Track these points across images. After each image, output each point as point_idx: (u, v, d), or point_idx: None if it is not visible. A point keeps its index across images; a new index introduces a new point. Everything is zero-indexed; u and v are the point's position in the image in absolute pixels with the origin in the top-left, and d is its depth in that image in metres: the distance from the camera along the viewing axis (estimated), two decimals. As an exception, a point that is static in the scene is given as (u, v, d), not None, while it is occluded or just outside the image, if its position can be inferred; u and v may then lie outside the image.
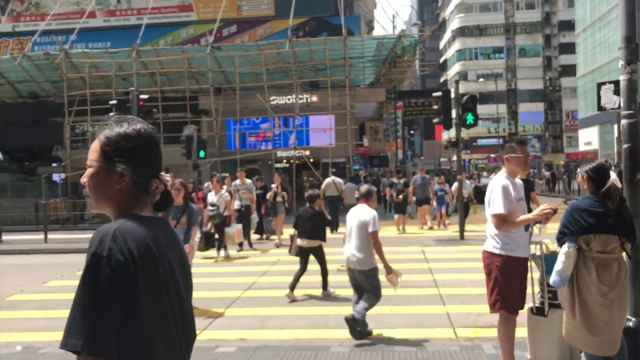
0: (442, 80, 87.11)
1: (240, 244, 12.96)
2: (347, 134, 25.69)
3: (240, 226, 12.53)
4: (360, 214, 6.51)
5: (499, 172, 5.03)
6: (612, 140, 57.39)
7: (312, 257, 8.67)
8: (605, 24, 57.90)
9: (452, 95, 14.11)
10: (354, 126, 27.69)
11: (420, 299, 8.24)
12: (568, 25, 72.93)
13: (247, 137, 26.89)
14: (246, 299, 8.62)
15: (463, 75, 77.86)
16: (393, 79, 29.39)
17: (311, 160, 27.58)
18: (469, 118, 13.66)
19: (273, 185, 14.67)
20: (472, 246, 12.83)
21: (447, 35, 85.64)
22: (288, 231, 15.16)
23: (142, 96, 15.21)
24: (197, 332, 7.62)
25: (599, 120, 60.13)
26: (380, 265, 6.55)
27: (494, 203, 4.70)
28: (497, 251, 4.78)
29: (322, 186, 17.39)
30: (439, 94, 14.13)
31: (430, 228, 16.55)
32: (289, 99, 27.48)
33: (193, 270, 2.45)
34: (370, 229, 6.35)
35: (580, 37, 65.59)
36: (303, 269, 8.55)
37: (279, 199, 14.28)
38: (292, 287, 8.36)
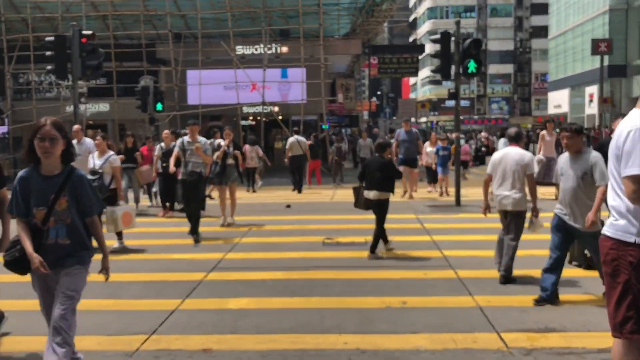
0: (411, 39, 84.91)
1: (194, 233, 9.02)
2: (318, 89, 23.56)
3: (129, 207, 9.21)
4: (517, 156, 6.47)
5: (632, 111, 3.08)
6: (582, 104, 56.89)
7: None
8: (581, -17, 56.46)
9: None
10: (328, 80, 25.58)
11: (437, 285, 6.42)
12: (541, -15, 71.34)
13: (210, 89, 24.46)
14: (211, 284, 6.68)
15: (433, 34, 75.80)
16: (369, 30, 27.19)
17: (280, 117, 25.42)
18: (471, 65, 11.75)
19: (222, 142, 10.73)
20: (472, 214, 11.12)
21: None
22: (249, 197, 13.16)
23: (85, 32, 12.76)
24: (143, 337, 4.84)
25: (570, 83, 59.37)
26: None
27: (632, 158, 2.83)
28: (631, 238, 2.93)
29: (287, 145, 16.53)
30: (437, 36, 12.11)
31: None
32: (256, 49, 25.10)
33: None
34: (528, 171, 6.43)
35: (553, -2, 64.19)
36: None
37: (230, 160, 10.60)
38: (373, 248, 7.83)
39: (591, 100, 53.88)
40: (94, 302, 5.84)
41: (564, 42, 61.39)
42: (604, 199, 5.07)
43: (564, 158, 5.75)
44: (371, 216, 11.01)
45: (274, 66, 24.59)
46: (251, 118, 29.23)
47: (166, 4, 23.18)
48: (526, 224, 6.51)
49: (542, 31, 72.24)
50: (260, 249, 8.47)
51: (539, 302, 5.63)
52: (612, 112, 39.59)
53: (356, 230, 9.65)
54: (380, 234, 7.94)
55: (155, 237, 9.64)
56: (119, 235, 8.49)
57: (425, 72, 72.47)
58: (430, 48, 59.75)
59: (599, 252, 3.29)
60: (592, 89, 53.27)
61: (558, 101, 64.48)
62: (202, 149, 8.97)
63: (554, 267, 5.66)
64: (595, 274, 6.61)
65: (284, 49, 24.87)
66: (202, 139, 9.21)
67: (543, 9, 71.73)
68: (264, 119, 24.90)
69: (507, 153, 6.54)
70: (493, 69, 76.96)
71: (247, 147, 16.81)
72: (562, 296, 5.75)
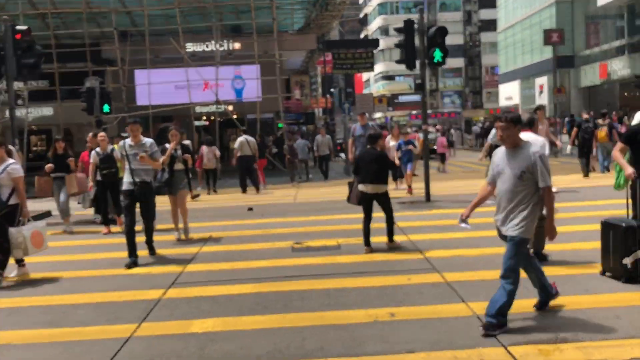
0: (362, 35, 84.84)
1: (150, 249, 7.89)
2: (274, 86, 22.81)
3: (39, 226, 7.32)
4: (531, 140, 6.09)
5: None
6: (532, 95, 57.89)
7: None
8: (527, -24, 57.48)
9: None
10: (284, 76, 24.82)
11: (425, 292, 5.80)
12: (489, -21, 72.34)
13: (160, 89, 23.34)
14: (171, 303, 5.88)
15: (384, 30, 76.11)
16: (323, 25, 26.55)
17: (235, 116, 24.55)
18: (437, 55, 11.23)
19: (168, 146, 8.83)
20: (445, 209, 10.61)
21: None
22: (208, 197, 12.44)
23: (19, 27, 11.63)
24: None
25: (520, 75, 60.33)
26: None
27: None
28: None
29: (235, 146, 15.90)
30: (400, 26, 11.56)
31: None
32: (207, 46, 24.15)
33: None
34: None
35: (501, -9, 65.12)
36: (369, 218, 7.77)
37: (178, 166, 9.02)
38: (367, 242, 7.67)
39: (541, 91, 54.88)
40: (32, 333, 5.00)
41: (513, 35, 62.31)
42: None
43: (500, 154, 4.83)
44: (341, 216, 10.45)
45: (227, 63, 23.70)
46: (205, 118, 28.22)
47: (110, 0, 22.00)
48: None
49: (491, 25, 73.24)
50: (224, 259, 7.69)
51: (540, 307, 5.07)
52: (562, 101, 40.06)
53: (326, 233, 8.99)
54: (391, 224, 7.79)
55: (102, 249, 8.73)
56: (19, 261, 7.13)
57: (378, 68, 72.54)
58: (383, 44, 59.78)
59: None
60: (542, 80, 54.20)
61: (509, 93, 65.44)
62: (149, 152, 7.61)
63: (531, 269, 5.02)
64: (593, 270, 6.15)
65: (237, 46, 24.03)
66: (147, 140, 7.81)
67: (491, 3, 72.62)
68: (218, 119, 23.97)
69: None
70: (446, 63, 77.38)
71: (204, 148, 16.28)
72: (565, 298, 5.22)
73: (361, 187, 7.71)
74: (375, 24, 78.77)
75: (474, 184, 15.16)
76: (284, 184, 18.55)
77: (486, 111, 74.17)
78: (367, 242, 7.68)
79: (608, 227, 5.82)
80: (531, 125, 6.72)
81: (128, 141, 7.83)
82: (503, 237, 4.80)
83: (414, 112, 74.47)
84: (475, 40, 79.27)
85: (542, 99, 54.52)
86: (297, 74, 33.26)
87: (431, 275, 6.34)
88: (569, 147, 16.31)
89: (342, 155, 24.68)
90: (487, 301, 5.31)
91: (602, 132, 16.18)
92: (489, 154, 10.23)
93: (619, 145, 6.21)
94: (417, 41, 11.70)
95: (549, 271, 6.17)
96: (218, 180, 17.00)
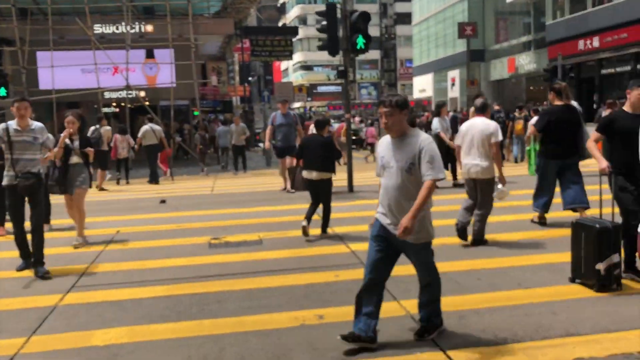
0: (280, 24, 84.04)
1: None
2: (189, 72, 21.81)
3: None
4: (483, 125, 6.64)
5: None
6: (445, 87, 59.53)
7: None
8: (442, -30, 58.97)
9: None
10: (200, 61, 23.80)
11: (354, 289, 5.35)
12: (404, -28, 73.57)
13: (65, 73, 21.73)
14: (68, 311, 5.15)
15: (302, 20, 75.79)
16: (241, 9, 25.71)
17: (147, 102, 23.29)
18: (360, 41, 10.88)
19: (61, 134, 7.55)
20: (368, 200, 10.31)
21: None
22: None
23: None
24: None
25: (433, 68, 61.88)
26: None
27: None
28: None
29: (139, 134, 15.45)
30: (322, 9, 11.11)
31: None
32: (117, 28, 22.71)
33: None
34: (493, 139, 6.56)
35: (416, -16, 66.41)
36: (316, 203, 7.53)
37: (75, 159, 7.59)
38: (308, 220, 7.35)
39: (453, 84, 56.51)
40: None
41: (427, 28, 63.75)
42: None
43: (385, 144, 4.08)
44: (262, 208, 9.94)
45: (139, 47, 22.40)
46: (114, 104, 26.68)
47: (7, -27, 20.19)
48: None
49: (406, 18, 74.63)
50: (132, 258, 6.97)
51: (348, 338, 4.03)
52: (474, 93, 41.28)
53: (246, 227, 8.44)
54: (328, 215, 7.58)
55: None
56: None
57: (297, 58, 72.13)
58: (302, 33, 59.14)
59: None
60: (454, 73, 55.84)
61: (423, 86, 67.05)
62: (41, 139, 6.43)
63: (371, 293, 4.14)
64: (523, 262, 5.99)
65: (149, 28, 22.74)
66: (36, 124, 6.47)
67: (407, -4, 73.99)
68: (129, 105, 22.65)
69: (473, 123, 6.75)
70: (361, 55, 78.22)
71: (117, 136, 15.51)
72: (499, 294, 4.99)
73: (305, 173, 7.50)
74: (293, 13, 78.21)
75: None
76: (193, 174, 17.84)
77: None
78: (308, 220, 7.37)
79: (579, 228, 5.10)
80: (484, 110, 6.82)
81: (12, 124, 6.36)
82: (381, 239, 4.08)
83: (332, 102, 74.81)
84: (391, 33, 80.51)
85: (454, 92, 56.21)
86: (213, 60, 32.17)
87: (360, 271, 5.91)
88: None
89: (261, 144, 24.04)
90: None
91: (519, 125, 16.65)
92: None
93: (594, 135, 5.50)
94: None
95: (478, 264, 6.00)
96: (130, 170, 16.05)
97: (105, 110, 27.16)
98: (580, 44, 35.19)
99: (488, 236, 6.90)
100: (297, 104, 57.23)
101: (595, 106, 28.08)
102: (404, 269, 5.90)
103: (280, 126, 11.84)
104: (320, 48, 11.42)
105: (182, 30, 22.12)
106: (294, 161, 11.72)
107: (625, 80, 32.63)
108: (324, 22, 11.15)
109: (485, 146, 6.57)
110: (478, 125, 6.67)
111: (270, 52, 32.20)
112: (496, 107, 17.68)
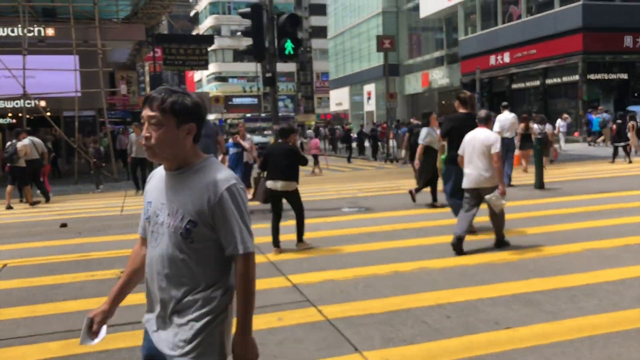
0: (194, 34, 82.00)
1: None
2: (95, 80, 20.11)
3: None
4: (484, 136, 6.73)
5: None
6: (361, 101, 60.03)
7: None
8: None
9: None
10: (108, 69, 22.03)
11: (305, 339, 4.42)
12: (319, -14, 74.04)
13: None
14: None
15: (216, 30, 74.28)
16: (152, 15, 24.20)
17: (48, 113, 21.30)
18: (288, 46, 9.99)
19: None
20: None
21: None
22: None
23: None
24: None
25: (349, 82, 62.32)
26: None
27: None
28: None
29: (19, 147, 13.47)
30: (247, 10, 10.12)
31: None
32: (13, 31, 20.63)
33: None
34: (493, 150, 6.63)
35: (330, 0, 66.84)
36: (278, 215, 7.27)
37: None
38: (276, 242, 7.17)
39: (369, 98, 56.99)
40: None
41: (343, 42, 64.20)
42: None
43: (156, 180, 2.29)
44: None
45: (38, 52, 20.41)
46: (10, 115, 24.30)
47: None
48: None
49: (321, 31, 74.84)
50: (20, 301, 5.64)
51: None
52: (394, 107, 41.76)
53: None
54: (302, 223, 7.26)
55: None
56: None
57: (211, 69, 70.44)
58: (216, 44, 57.52)
59: None
60: (370, 87, 56.38)
61: (339, 99, 67.37)
62: None
63: None
64: (459, 296, 5.26)
65: (50, 32, 20.79)
66: None
67: (321, 10, 74.22)
68: (27, 116, 20.56)
69: (475, 134, 6.83)
70: (278, 67, 77.41)
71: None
72: (393, 299, 4.18)
73: (270, 183, 7.17)
74: (207, 23, 76.51)
75: (339, 187, 14.32)
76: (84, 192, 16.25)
77: (317, 116, 75.69)
78: (275, 242, 7.20)
79: None
80: (487, 122, 6.86)
81: None
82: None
83: (248, 114, 73.53)
84: (307, 46, 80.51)
85: (370, 105, 56.72)
86: (122, 68, 30.26)
87: (306, 312, 5.00)
88: (403, 152, 16.53)
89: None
90: (386, 348, 4.13)
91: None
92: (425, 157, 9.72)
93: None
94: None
95: (443, 297, 5.18)
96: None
97: (3, 121, 24.75)
98: (492, 59, 36.29)
99: (439, 261, 6.16)
100: (212, 116, 55.62)
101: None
102: (355, 307, 5.02)
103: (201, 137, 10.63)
104: (244, 52, 10.41)
105: (87, 35, 20.39)
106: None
107: (534, 94, 33.91)
108: (243, 28, 10.14)
109: (487, 156, 6.67)
110: (480, 136, 6.78)
111: (184, 61, 30.78)
112: (414, 122, 18.02)
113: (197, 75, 77.07)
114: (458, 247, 6.63)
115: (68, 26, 19.66)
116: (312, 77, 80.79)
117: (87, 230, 9.42)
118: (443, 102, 46.55)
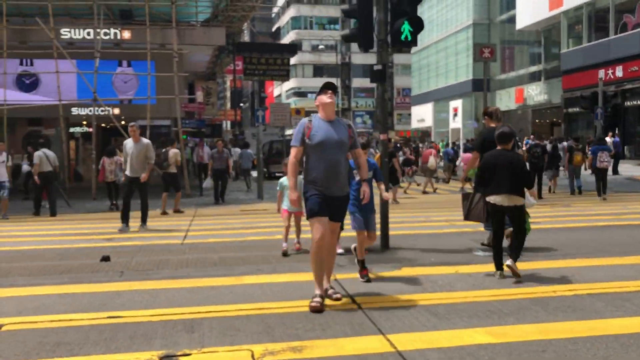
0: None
1: None
2: (170, 88, 18.47)
3: None
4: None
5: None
6: (446, 118, 56.84)
7: None
8: (437, 1, 57.75)
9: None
10: (185, 73, 20.42)
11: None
12: (404, 0, 71.86)
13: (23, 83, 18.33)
14: None
15: (298, 46, 73.46)
16: (233, 20, 22.50)
17: (122, 122, 19.82)
18: (405, 28, 7.49)
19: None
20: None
21: (281, 1, 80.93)
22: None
23: None
24: None
25: (433, 98, 59.34)
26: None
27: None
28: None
29: (35, 160, 13.86)
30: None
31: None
32: (88, 34, 19.38)
33: None
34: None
35: (417, 13, 64.34)
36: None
37: None
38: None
39: (455, 114, 53.70)
40: None
41: (427, 57, 61.46)
42: None
43: None
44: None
45: (111, 56, 19.06)
46: (85, 123, 23.21)
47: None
48: None
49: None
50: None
51: None
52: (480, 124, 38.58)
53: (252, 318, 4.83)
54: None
55: None
56: None
57: (290, 84, 69.52)
58: (297, 58, 56.25)
59: None
60: (456, 103, 53.08)
61: (422, 115, 64.45)
62: None
63: None
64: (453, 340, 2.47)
65: (126, 35, 19.40)
66: None
67: (405, 24, 71.87)
68: (101, 124, 19.21)
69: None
70: (357, 82, 77.00)
71: (105, 159, 15.15)
72: None
73: (493, 198, 6.49)
74: (287, 38, 75.86)
75: (447, 215, 11.55)
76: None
77: (396, 132, 73.09)
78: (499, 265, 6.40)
79: None
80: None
81: None
82: None
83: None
84: (389, 62, 78.47)
85: (457, 122, 53.38)
86: (202, 78, 28.89)
87: None
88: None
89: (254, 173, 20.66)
90: None
91: (578, 156, 14.31)
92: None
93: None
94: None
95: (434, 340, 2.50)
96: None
97: (76, 129, 23.74)
98: (601, 73, 32.53)
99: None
100: (289, 132, 54.18)
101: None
102: None
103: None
104: (347, 39, 8.02)
105: (164, 39, 18.85)
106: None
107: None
108: (352, 3, 7.73)
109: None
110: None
111: (264, 71, 29.04)
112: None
113: (277, 90, 76.42)
114: None
115: (143, 30, 18.16)
116: (392, 93, 78.38)
117: (133, 268, 7.01)
118: (537, 120, 42.83)
